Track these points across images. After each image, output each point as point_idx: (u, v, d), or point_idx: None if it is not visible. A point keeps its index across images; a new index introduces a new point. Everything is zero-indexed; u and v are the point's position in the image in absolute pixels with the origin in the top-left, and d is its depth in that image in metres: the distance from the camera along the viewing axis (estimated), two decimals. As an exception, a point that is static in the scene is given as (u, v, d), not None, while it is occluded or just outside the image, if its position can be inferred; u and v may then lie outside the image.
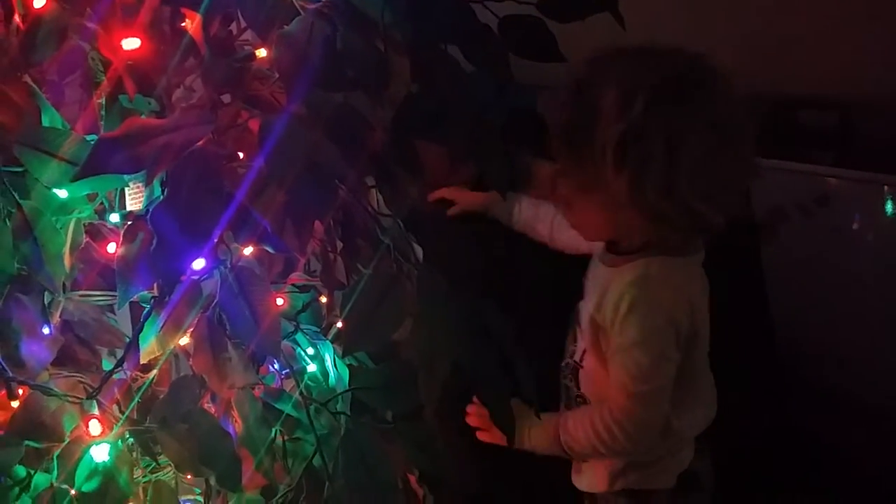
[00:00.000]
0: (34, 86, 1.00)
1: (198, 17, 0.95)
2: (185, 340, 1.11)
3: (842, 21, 2.20)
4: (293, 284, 1.25)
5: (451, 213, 1.55)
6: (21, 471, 1.05)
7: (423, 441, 1.15)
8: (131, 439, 1.10)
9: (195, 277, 1.04)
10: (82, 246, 1.06)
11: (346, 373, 1.20)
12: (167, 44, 0.99)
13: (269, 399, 1.17)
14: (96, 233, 1.12)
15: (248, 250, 1.06)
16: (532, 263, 1.55)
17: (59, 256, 1.01)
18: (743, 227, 1.94)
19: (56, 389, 1.05)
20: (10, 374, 1.02)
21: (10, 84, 0.97)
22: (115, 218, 1.12)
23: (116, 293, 0.97)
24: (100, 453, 1.06)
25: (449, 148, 1.04)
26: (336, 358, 1.22)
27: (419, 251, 1.04)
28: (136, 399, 1.11)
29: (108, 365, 1.14)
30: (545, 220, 1.49)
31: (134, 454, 1.12)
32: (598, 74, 1.21)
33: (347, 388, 1.16)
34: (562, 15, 1.07)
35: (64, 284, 1.06)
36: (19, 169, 0.98)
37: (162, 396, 1.11)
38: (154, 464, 1.12)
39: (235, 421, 1.15)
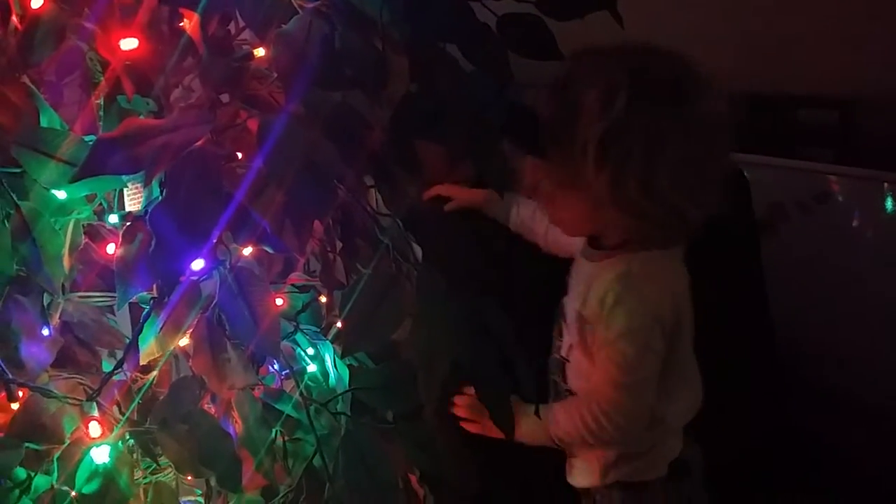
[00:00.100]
0: (32, 86, 1.00)
1: (196, 16, 0.95)
2: (184, 341, 1.10)
3: (842, 21, 2.21)
4: (293, 284, 1.25)
5: (447, 208, 1.55)
6: (21, 473, 1.05)
7: (424, 441, 1.14)
8: (131, 440, 1.10)
9: (194, 278, 1.03)
10: (81, 247, 1.06)
11: (346, 373, 1.19)
12: (165, 44, 0.99)
13: (269, 399, 1.16)
14: (95, 234, 1.12)
15: (247, 250, 1.06)
16: (529, 262, 1.55)
17: (58, 257, 1.00)
18: (743, 225, 1.94)
19: (56, 391, 1.05)
20: (10, 376, 1.02)
21: (9, 85, 0.97)
22: (113, 219, 1.12)
23: (116, 294, 0.97)
24: (100, 455, 1.06)
25: (448, 147, 1.03)
26: (336, 358, 1.21)
27: (418, 251, 1.04)
28: (137, 400, 1.11)
29: (107, 366, 1.14)
30: (542, 223, 1.50)
31: (134, 455, 1.11)
32: (579, 73, 1.23)
33: (347, 388, 1.16)
34: (561, 13, 1.07)
35: (63, 286, 1.06)
36: (18, 170, 0.98)
37: (162, 397, 1.11)
38: (154, 465, 1.12)
39: (235, 422, 1.14)
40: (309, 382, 1.21)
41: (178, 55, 0.98)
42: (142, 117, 0.99)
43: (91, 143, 0.93)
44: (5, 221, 0.99)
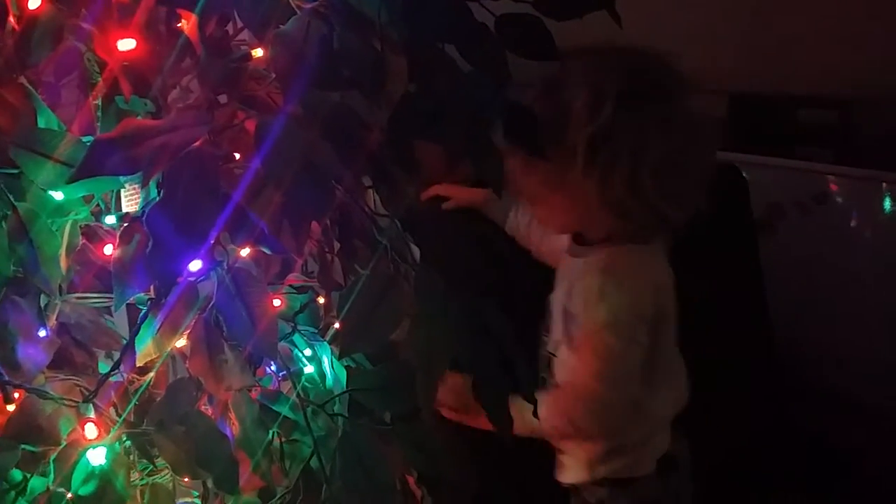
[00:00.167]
0: (30, 87, 1.00)
1: (194, 17, 0.95)
2: (181, 342, 1.10)
3: (841, 21, 2.21)
4: (290, 285, 1.25)
5: (445, 206, 1.56)
6: (17, 474, 1.05)
7: (422, 442, 1.14)
8: (128, 442, 1.10)
9: (192, 279, 1.03)
10: (78, 248, 1.06)
11: (343, 374, 1.19)
12: (163, 44, 0.99)
13: (267, 401, 1.16)
14: (93, 235, 1.11)
15: (244, 251, 1.06)
16: (528, 262, 1.56)
17: (55, 258, 1.00)
18: (741, 225, 1.94)
19: (52, 392, 1.05)
20: (6, 378, 1.02)
21: (6, 85, 0.97)
22: (111, 220, 1.12)
23: (113, 295, 0.97)
24: (96, 456, 1.05)
25: (446, 147, 1.03)
26: (333, 359, 1.21)
27: (416, 251, 1.03)
28: (133, 402, 1.10)
29: (104, 367, 1.13)
30: (537, 232, 1.52)
31: (131, 457, 1.11)
32: (566, 75, 1.27)
33: (345, 389, 1.16)
34: (559, 13, 1.06)
35: (60, 287, 1.06)
36: (15, 171, 0.98)
37: (159, 399, 1.10)
38: (151, 466, 1.12)
39: (232, 423, 1.14)
40: (306, 384, 1.21)
41: (175, 56, 0.98)
42: (140, 118, 0.99)
43: (88, 143, 0.93)
44: (2, 222, 0.98)
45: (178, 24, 1.00)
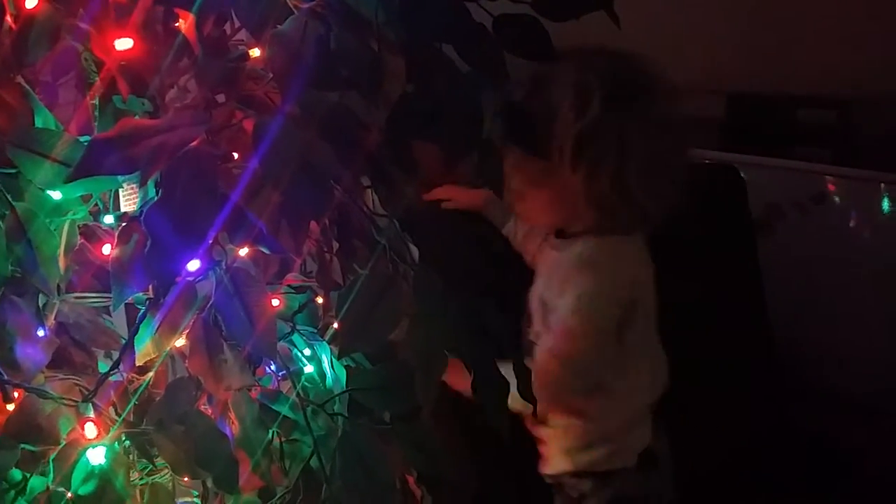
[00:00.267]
0: (27, 87, 0.99)
1: (191, 16, 0.95)
2: (181, 342, 1.10)
3: (840, 21, 2.21)
4: (289, 285, 1.25)
5: (445, 206, 1.58)
6: (17, 474, 1.05)
7: (421, 441, 1.14)
8: (128, 442, 1.10)
9: (190, 279, 1.03)
10: (77, 248, 1.06)
11: (342, 374, 1.19)
12: (160, 44, 0.99)
13: (266, 400, 1.16)
14: (91, 234, 1.12)
15: (243, 251, 1.06)
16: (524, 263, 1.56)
17: (53, 258, 1.00)
18: (740, 225, 1.94)
19: (51, 392, 1.04)
20: (5, 377, 1.02)
21: (3, 85, 0.97)
22: (109, 219, 1.12)
23: (111, 295, 0.97)
24: (96, 456, 1.05)
25: (444, 147, 1.03)
26: (333, 359, 1.21)
27: (415, 251, 1.03)
28: (133, 401, 1.10)
29: (103, 367, 1.13)
30: (534, 241, 1.53)
31: (130, 457, 1.11)
32: (552, 74, 1.32)
33: (344, 389, 1.16)
34: (557, 13, 1.07)
35: (59, 286, 1.06)
36: (12, 170, 0.98)
37: (158, 398, 1.10)
38: (151, 466, 1.12)
39: (232, 423, 1.14)
40: (306, 383, 1.20)
41: (173, 55, 0.98)
42: (137, 118, 0.99)
43: (86, 143, 0.93)
44: (0, 222, 0.98)
45: (176, 24, 1.00)
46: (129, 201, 1.10)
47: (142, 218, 0.90)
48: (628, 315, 1.36)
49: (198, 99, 1.01)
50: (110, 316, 1.19)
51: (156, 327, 1.04)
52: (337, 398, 1.15)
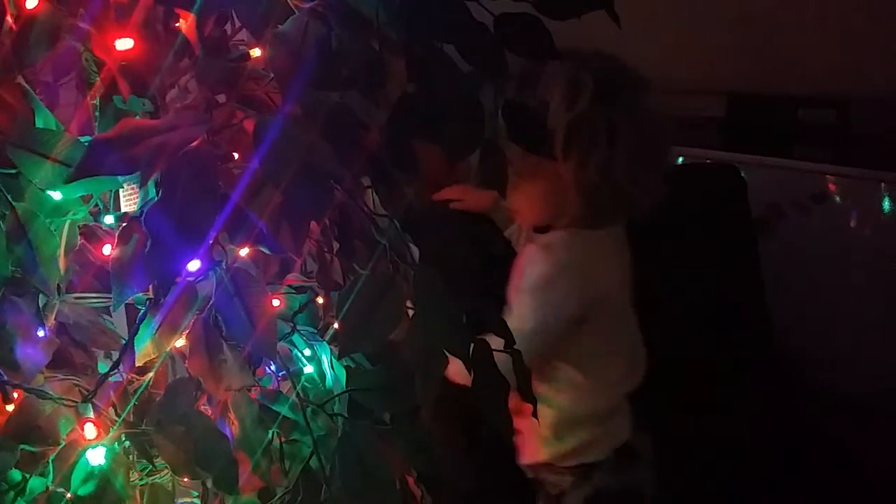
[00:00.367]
0: (27, 87, 0.99)
1: (192, 16, 0.95)
2: (181, 342, 1.10)
3: (840, 21, 2.21)
4: (289, 286, 1.25)
5: (454, 206, 1.61)
6: (16, 475, 1.05)
7: (421, 442, 1.14)
8: (127, 442, 1.10)
9: (190, 279, 1.03)
10: (77, 248, 1.06)
11: (342, 374, 1.19)
12: (161, 44, 0.99)
13: (266, 401, 1.16)
14: (91, 235, 1.11)
15: (243, 251, 1.06)
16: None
17: (53, 258, 1.00)
18: (740, 225, 1.95)
19: (51, 392, 1.04)
20: (5, 378, 1.02)
21: (4, 85, 0.96)
22: (109, 220, 1.11)
23: (112, 295, 0.97)
24: (96, 456, 1.05)
25: (445, 147, 1.03)
26: (333, 359, 1.21)
27: (415, 251, 1.03)
28: (133, 402, 1.10)
29: (103, 367, 1.13)
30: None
31: (130, 457, 1.11)
32: (541, 71, 1.39)
33: (344, 389, 1.16)
34: (558, 12, 1.06)
35: (59, 287, 1.06)
36: (13, 171, 0.97)
37: (158, 399, 1.10)
38: (150, 467, 1.12)
39: (232, 423, 1.14)
40: (306, 384, 1.20)
41: (173, 55, 0.98)
42: (138, 118, 0.99)
43: (87, 143, 0.93)
44: (0, 222, 0.98)
45: (177, 24, 1.00)
46: (129, 201, 1.09)
47: (142, 218, 0.90)
48: (597, 306, 1.41)
49: (198, 99, 1.01)
50: (110, 316, 1.19)
51: (156, 328, 1.04)
52: (337, 398, 1.15)
